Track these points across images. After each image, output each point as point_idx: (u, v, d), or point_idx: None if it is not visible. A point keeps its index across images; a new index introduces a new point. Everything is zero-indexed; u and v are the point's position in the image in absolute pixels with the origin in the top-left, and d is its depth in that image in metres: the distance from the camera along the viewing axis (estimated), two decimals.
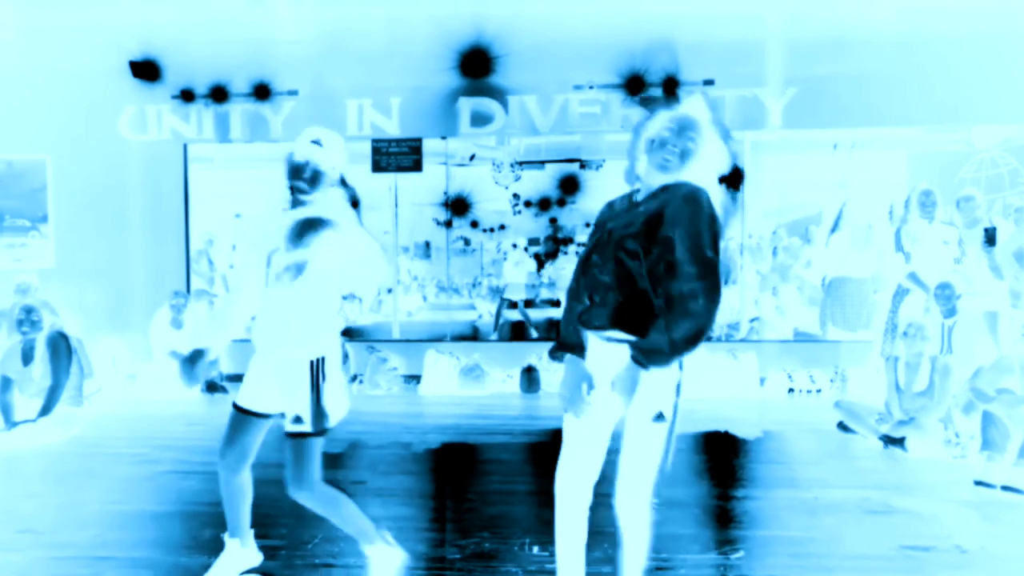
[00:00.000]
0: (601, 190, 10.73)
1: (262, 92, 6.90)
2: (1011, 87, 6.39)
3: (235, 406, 2.51)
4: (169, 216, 7.17)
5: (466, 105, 6.90)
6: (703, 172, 2.05)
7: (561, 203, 10.91)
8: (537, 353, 6.78)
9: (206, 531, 3.16)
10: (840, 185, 7.75)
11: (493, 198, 8.71)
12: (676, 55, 6.67)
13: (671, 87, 6.65)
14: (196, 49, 6.88)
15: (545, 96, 6.88)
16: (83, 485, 3.91)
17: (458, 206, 9.78)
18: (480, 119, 6.92)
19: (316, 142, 2.50)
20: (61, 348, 5.04)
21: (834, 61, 6.51)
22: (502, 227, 9.74)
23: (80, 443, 4.80)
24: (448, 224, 9.81)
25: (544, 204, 11.14)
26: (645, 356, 1.94)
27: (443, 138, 7.11)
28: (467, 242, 9.05)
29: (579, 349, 2.15)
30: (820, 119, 6.74)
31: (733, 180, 2.19)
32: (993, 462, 3.86)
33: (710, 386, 6.04)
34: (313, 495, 2.39)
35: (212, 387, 6.56)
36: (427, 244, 9.55)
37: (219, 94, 6.92)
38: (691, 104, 2.10)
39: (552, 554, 2.27)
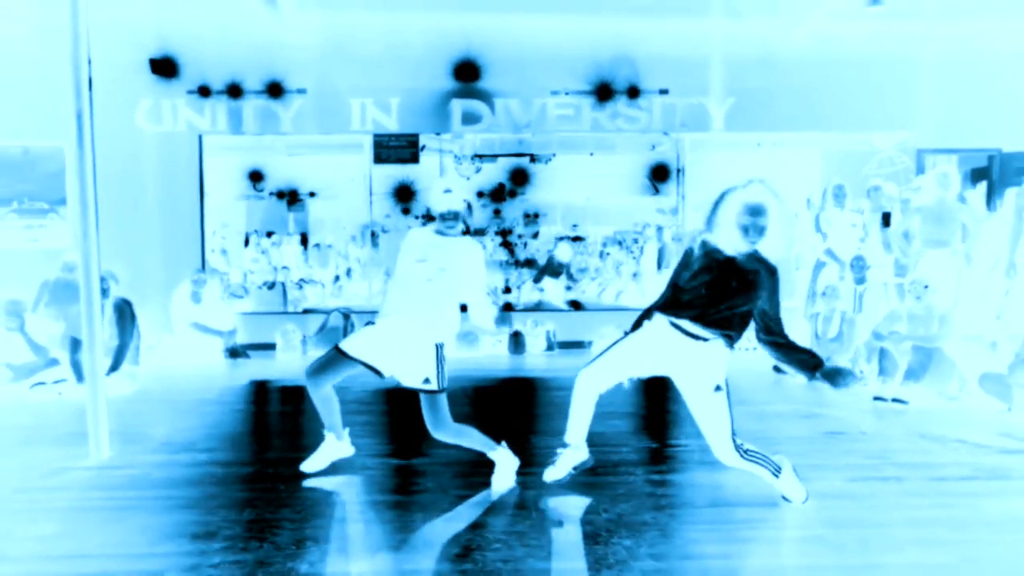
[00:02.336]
0: (550, 182, 11.88)
1: (274, 90, 7.68)
2: (905, 99, 7.89)
3: (339, 350, 3.29)
4: (184, 200, 7.86)
5: (457, 106, 7.89)
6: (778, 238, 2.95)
7: (512, 194, 11.99)
8: (522, 320, 7.88)
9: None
10: (767, 178, 9.17)
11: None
12: (637, 67, 7.87)
13: (633, 94, 7.85)
14: (211, 49, 7.62)
15: (526, 99, 7.95)
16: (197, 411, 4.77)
17: (403, 194, 10.68)
18: (470, 118, 7.93)
19: (448, 191, 3.33)
20: (127, 313, 5.79)
21: (765, 75, 7.85)
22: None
23: (148, 393, 5.59)
24: (406, 212, 10.74)
25: (496, 195, 12.19)
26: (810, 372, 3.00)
27: (437, 134, 8.07)
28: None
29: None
30: (753, 123, 8.08)
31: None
32: (886, 384, 5.23)
33: None
34: (449, 431, 3.31)
35: (235, 353, 7.35)
36: (372, 233, 10.50)
37: (234, 90, 7.66)
38: (757, 191, 2.95)
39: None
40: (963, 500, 3.18)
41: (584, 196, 13.33)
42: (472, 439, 3.41)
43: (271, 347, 7.69)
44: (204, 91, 7.68)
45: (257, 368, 6.80)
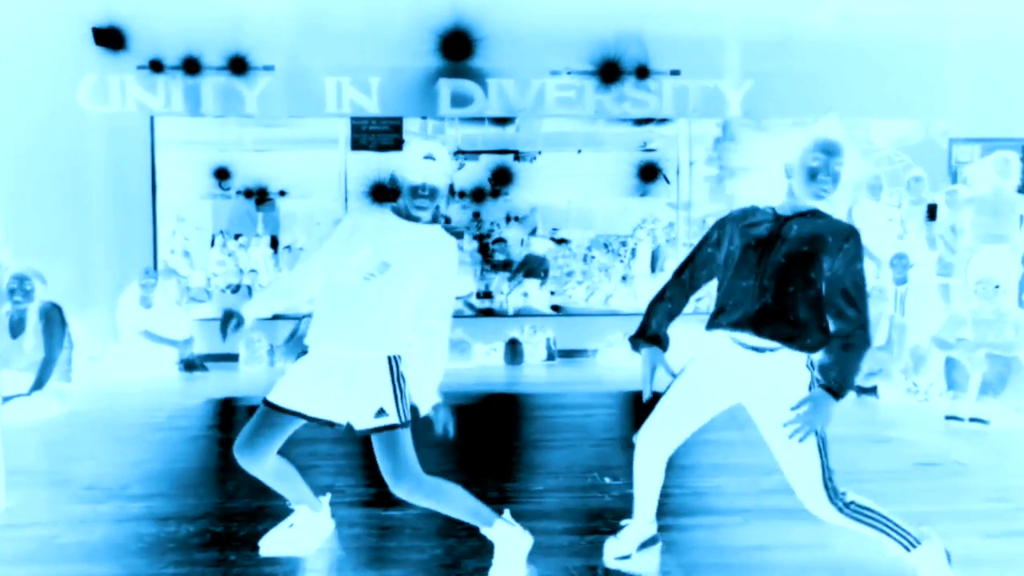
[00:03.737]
0: (534, 181, 11.12)
1: (237, 66, 6.75)
2: (932, 84, 7.24)
3: (267, 403, 2.29)
4: (133, 191, 6.89)
5: (446, 86, 7.05)
6: (846, 190, 2.18)
7: (495, 194, 11.18)
8: (519, 327, 7.04)
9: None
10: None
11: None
12: (645, 46, 7.10)
13: (642, 75, 7.08)
14: (165, 18, 6.66)
15: (522, 80, 7.13)
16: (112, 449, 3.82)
17: (379, 192, 9.86)
18: (460, 100, 7.09)
19: (430, 157, 2.26)
20: (55, 319, 4.81)
21: (784, 58, 7.14)
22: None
23: (80, 416, 4.62)
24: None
25: (478, 195, 11.39)
26: (839, 386, 2.06)
27: (423, 118, 7.22)
28: None
29: (660, 342, 2.31)
30: (772, 109, 7.36)
31: None
32: (958, 399, 4.49)
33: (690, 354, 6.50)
34: (418, 486, 2.25)
35: (190, 366, 6.39)
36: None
37: (191, 66, 6.71)
38: (830, 127, 2.18)
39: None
40: None
41: (566, 199, 12.63)
42: (454, 503, 2.33)
43: (233, 358, 6.72)
44: (156, 66, 6.71)
45: (217, 383, 5.86)
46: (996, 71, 7.13)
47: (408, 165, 2.25)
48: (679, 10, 6.92)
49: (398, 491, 2.24)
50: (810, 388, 2.13)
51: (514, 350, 6.78)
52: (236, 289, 8.26)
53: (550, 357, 6.89)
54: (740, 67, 7.24)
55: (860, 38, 7.08)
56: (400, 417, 2.23)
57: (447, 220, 10.16)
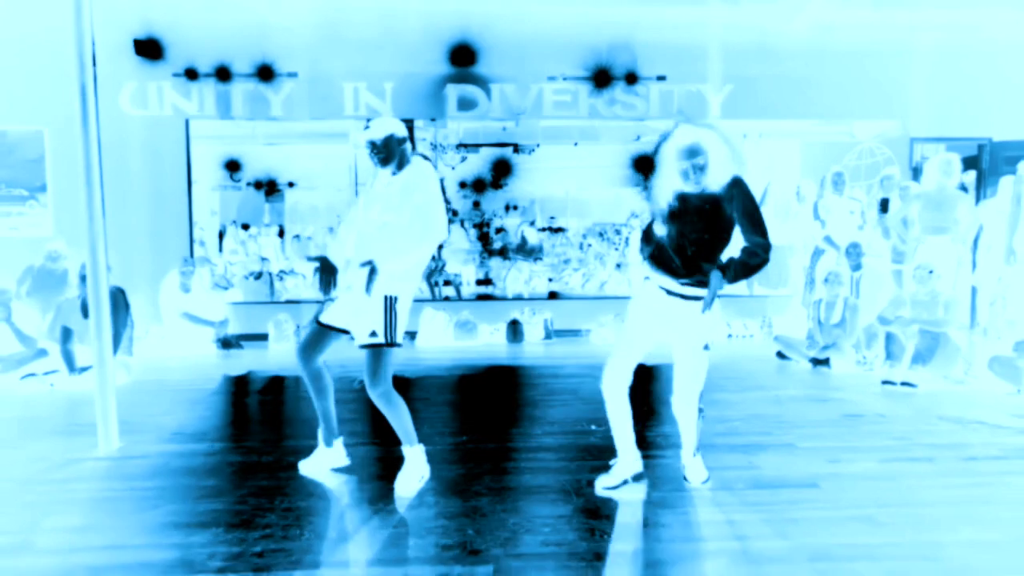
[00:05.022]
0: (533, 173, 11.80)
1: (264, 73, 7.47)
2: (898, 88, 7.98)
3: (318, 322, 3.16)
4: (171, 188, 7.62)
5: (453, 91, 7.77)
6: (723, 168, 2.85)
7: (495, 185, 11.88)
8: (520, 309, 7.81)
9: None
10: (764, 169, 9.24)
11: None
12: (635, 54, 7.83)
13: (631, 81, 7.81)
14: (198, 29, 7.38)
15: (522, 85, 7.86)
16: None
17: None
18: (466, 103, 7.81)
19: (366, 127, 3.12)
20: (120, 302, 5.57)
21: (762, 63, 7.87)
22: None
23: (143, 384, 5.40)
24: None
25: (479, 185, 12.08)
26: (733, 273, 2.85)
27: (432, 120, 7.93)
28: None
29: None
30: (750, 111, 8.09)
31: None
32: (894, 367, 5.28)
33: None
34: (385, 394, 3.02)
35: (227, 344, 7.15)
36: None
37: (222, 73, 7.43)
38: (686, 133, 2.84)
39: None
40: (999, 479, 3.19)
41: (563, 189, 13.30)
42: (399, 418, 3.12)
43: (262, 337, 7.50)
44: (191, 74, 7.44)
45: (252, 359, 6.63)
46: (956, 76, 7.87)
47: (360, 139, 3.14)
48: (665, 20, 7.65)
49: (372, 392, 3.05)
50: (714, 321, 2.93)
51: (515, 330, 7.54)
52: (259, 276, 8.99)
53: (547, 336, 7.66)
54: (721, 72, 7.97)
55: (832, 45, 7.82)
56: (387, 339, 3.02)
57: (454, 213, 10.90)
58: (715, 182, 2.84)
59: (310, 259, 3.14)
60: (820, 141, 9.61)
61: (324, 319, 3.16)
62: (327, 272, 3.07)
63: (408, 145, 3.15)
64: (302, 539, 2.61)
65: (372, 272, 2.97)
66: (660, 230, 2.93)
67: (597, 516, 2.82)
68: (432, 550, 2.53)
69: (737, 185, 2.85)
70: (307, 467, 3.36)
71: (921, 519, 2.75)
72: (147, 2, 7.26)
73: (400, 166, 3.11)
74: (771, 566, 2.39)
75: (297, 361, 3.19)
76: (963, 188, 6.58)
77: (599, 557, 2.47)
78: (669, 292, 2.93)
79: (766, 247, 2.86)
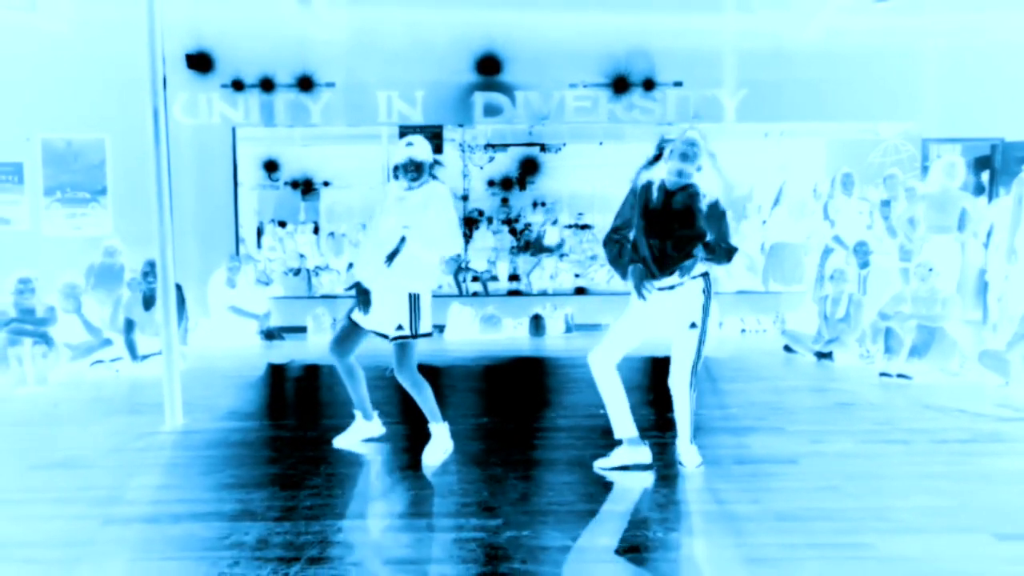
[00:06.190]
0: (559, 170, 12.17)
1: (304, 83, 8.02)
2: (911, 90, 8.20)
3: (349, 319, 3.60)
4: (218, 190, 8.22)
5: (480, 98, 8.22)
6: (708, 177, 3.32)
7: (522, 184, 12.28)
8: (542, 304, 8.25)
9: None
10: (780, 168, 9.52)
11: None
12: (652, 61, 8.19)
13: (648, 87, 8.17)
14: (244, 44, 7.96)
15: (545, 92, 8.27)
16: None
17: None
18: (491, 110, 8.25)
19: (410, 144, 3.52)
20: (177, 296, 6.14)
21: (777, 68, 8.16)
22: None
23: (196, 371, 5.96)
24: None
25: (506, 183, 12.48)
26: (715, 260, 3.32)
27: (460, 125, 8.39)
28: None
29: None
30: (765, 114, 8.39)
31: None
32: (891, 360, 5.59)
33: None
34: (412, 378, 3.51)
35: (270, 335, 7.72)
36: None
37: (266, 84, 8.00)
38: (693, 133, 3.33)
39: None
40: (963, 458, 3.54)
41: (590, 187, 13.64)
42: (425, 399, 3.58)
43: (302, 330, 8.06)
44: (238, 85, 8.02)
45: (294, 349, 7.18)
46: (968, 77, 8.06)
47: (397, 153, 3.53)
48: (681, 28, 8.00)
49: (402, 377, 3.52)
50: (705, 304, 3.32)
51: (537, 324, 7.98)
52: (297, 272, 9.55)
53: (568, 330, 8.08)
54: (736, 77, 8.29)
55: (845, 49, 8.08)
56: (412, 331, 3.48)
57: (479, 213, 11.36)
58: (705, 182, 3.27)
59: (347, 288, 3.60)
60: (844, 139, 9.82)
61: (356, 318, 3.60)
62: (362, 294, 3.55)
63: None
64: (344, 496, 3.09)
65: (402, 241, 3.41)
66: (640, 235, 3.33)
67: (597, 484, 3.25)
68: (452, 507, 2.99)
69: (716, 208, 3.28)
70: (342, 441, 3.84)
71: (881, 489, 3.12)
72: (197, 19, 7.85)
73: (418, 182, 3.53)
74: (741, 523, 2.80)
75: (331, 355, 3.66)
76: (980, 187, 6.81)
77: (592, 514, 2.91)
78: (658, 288, 3.34)
79: (731, 250, 3.29)
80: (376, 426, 3.90)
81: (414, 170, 3.49)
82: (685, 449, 3.49)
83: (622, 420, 3.49)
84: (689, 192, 3.30)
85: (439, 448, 3.62)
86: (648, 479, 3.30)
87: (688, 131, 3.36)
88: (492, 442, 3.87)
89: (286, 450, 3.74)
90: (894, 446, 3.73)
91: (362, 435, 3.87)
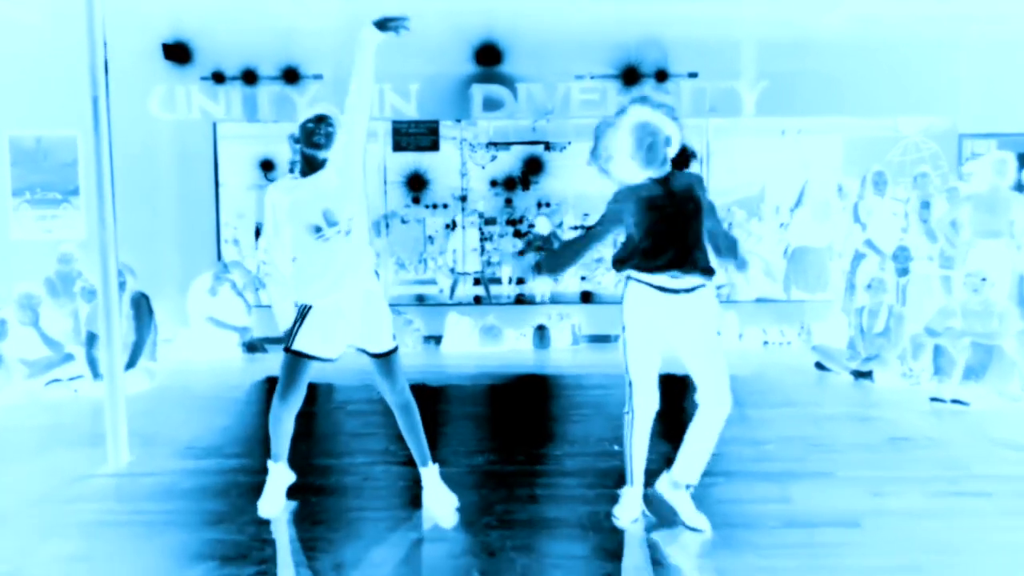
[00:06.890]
0: (564, 170, 11.57)
1: (290, 75, 7.41)
2: (944, 82, 7.55)
3: (297, 353, 2.83)
4: (198, 190, 7.62)
5: (478, 91, 7.60)
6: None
7: (525, 184, 11.69)
8: (546, 313, 7.63)
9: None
10: (800, 166, 8.88)
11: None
12: (665, 50, 7.56)
13: (661, 78, 7.54)
14: (225, 34, 7.35)
15: (549, 84, 7.65)
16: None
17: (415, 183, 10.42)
18: (491, 104, 7.64)
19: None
20: (143, 307, 5.56)
21: (798, 59, 7.52)
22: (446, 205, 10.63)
23: (165, 391, 5.37)
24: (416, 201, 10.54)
25: (510, 183, 11.90)
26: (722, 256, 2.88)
27: (457, 121, 7.78)
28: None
29: None
30: (786, 108, 7.75)
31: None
32: (943, 383, 4.96)
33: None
34: (409, 398, 2.94)
35: (252, 348, 7.13)
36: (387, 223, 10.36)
37: (248, 76, 7.40)
38: (643, 112, 2.76)
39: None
40: None
41: (596, 187, 13.04)
42: (418, 431, 3.00)
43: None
44: (218, 77, 7.42)
45: (277, 363, 6.56)
46: (1003, 69, 7.42)
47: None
48: (696, 15, 7.35)
49: (403, 397, 2.95)
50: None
51: (542, 335, 7.36)
52: None
53: (575, 341, 7.46)
54: (756, 68, 7.65)
55: (871, 39, 7.43)
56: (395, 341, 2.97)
57: (482, 216, 10.77)
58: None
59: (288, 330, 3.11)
60: (863, 136, 9.19)
61: (308, 350, 2.89)
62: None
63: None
64: None
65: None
66: (642, 225, 2.78)
67: (612, 558, 2.63)
68: None
69: (703, 185, 2.87)
70: (271, 505, 3.05)
71: (973, 569, 2.49)
72: (175, 7, 7.25)
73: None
74: None
75: (278, 408, 2.96)
76: (1020, 186, 6.19)
77: None
78: (664, 289, 2.75)
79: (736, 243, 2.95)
80: (290, 472, 3.15)
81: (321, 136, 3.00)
82: (682, 499, 2.86)
83: (639, 467, 2.89)
84: (685, 176, 2.84)
85: (445, 501, 3.01)
86: (682, 554, 2.67)
87: (630, 110, 2.76)
88: (489, 491, 3.26)
89: (240, 502, 3.13)
90: (974, 501, 3.09)
91: (285, 485, 3.12)
